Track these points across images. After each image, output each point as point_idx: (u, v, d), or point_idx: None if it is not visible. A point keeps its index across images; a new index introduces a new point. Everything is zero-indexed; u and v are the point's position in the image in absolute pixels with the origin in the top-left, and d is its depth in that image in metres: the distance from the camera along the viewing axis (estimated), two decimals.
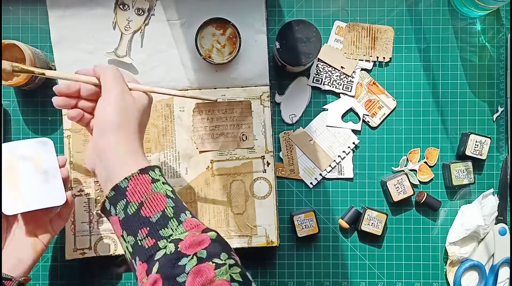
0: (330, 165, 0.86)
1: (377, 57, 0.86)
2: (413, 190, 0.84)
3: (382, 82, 0.86)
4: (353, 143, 0.86)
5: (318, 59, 0.86)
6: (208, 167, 0.84)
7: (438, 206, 0.85)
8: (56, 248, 0.86)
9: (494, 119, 0.87)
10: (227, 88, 0.84)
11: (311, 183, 0.86)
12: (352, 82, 0.86)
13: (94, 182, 0.84)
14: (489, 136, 0.84)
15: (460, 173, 0.84)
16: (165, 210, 0.59)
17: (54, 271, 0.86)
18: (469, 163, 0.84)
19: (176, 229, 0.58)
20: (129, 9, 0.83)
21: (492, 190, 0.85)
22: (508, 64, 0.86)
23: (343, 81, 0.86)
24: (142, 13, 0.83)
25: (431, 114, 0.87)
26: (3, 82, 0.79)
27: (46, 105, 0.87)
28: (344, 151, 0.86)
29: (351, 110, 0.86)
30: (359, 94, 0.86)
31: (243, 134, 0.83)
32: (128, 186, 0.59)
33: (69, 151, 0.84)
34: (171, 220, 0.59)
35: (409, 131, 0.86)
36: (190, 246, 0.56)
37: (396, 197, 0.84)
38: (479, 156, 0.84)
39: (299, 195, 0.86)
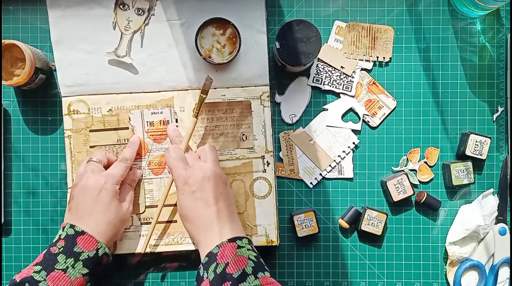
0: (330, 165, 0.86)
1: (377, 57, 0.86)
2: (413, 190, 0.84)
3: (382, 82, 0.86)
4: (353, 143, 0.86)
5: (318, 59, 0.86)
6: None
7: (438, 206, 0.85)
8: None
9: (494, 119, 0.87)
10: (227, 88, 0.84)
11: (311, 183, 0.86)
12: (352, 82, 0.86)
13: None
14: (489, 136, 0.84)
15: (460, 173, 0.84)
16: (246, 268, 0.69)
17: None
18: (469, 163, 0.84)
19: (252, 282, 0.67)
20: (129, 9, 0.83)
21: (492, 190, 0.85)
22: (508, 64, 0.86)
23: (343, 81, 0.86)
24: (142, 13, 0.83)
25: (431, 114, 0.87)
26: (3, 82, 0.79)
27: (46, 105, 0.87)
28: (344, 151, 0.86)
29: (351, 110, 0.86)
30: (359, 94, 0.86)
31: (243, 134, 0.83)
32: (218, 252, 0.70)
33: (70, 151, 0.84)
34: (250, 276, 0.68)
35: (409, 131, 0.86)
36: None
37: (396, 197, 0.84)
38: (479, 156, 0.84)
39: (299, 195, 0.86)
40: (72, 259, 0.72)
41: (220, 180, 0.76)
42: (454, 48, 0.87)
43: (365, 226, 0.84)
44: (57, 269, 0.71)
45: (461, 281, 0.85)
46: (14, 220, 0.87)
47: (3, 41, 0.79)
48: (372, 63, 0.86)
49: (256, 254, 0.72)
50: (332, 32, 0.86)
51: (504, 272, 0.85)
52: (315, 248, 0.87)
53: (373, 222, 0.84)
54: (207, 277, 0.70)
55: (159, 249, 0.84)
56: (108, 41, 0.83)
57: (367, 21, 0.86)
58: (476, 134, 0.84)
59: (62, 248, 0.73)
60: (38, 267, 0.71)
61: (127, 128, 0.84)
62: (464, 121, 0.87)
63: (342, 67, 0.86)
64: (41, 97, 0.87)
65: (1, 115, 0.85)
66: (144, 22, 0.83)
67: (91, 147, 0.84)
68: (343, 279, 0.86)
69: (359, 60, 0.86)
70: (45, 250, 0.74)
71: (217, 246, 0.71)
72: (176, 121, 0.84)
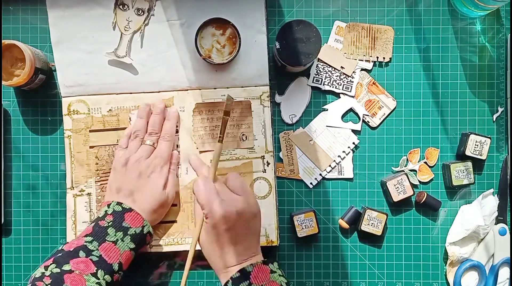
0: (330, 165, 0.86)
1: (377, 57, 0.86)
2: (413, 190, 0.84)
3: (382, 82, 0.86)
4: (353, 143, 0.86)
5: (318, 59, 0.86)
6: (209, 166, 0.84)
7: (438, 206, 0.85)
8: (56, 248, 0.86)
9: (494, 119, 0.87)
10: (227, 88, 0.84)
11: (311, 183, 0.86)
12: (352, 82, 0.86)
13: (95, 182, 0.84)
14: (489, 136, 0.84)
15: (460, 173, 0.84)
16: None
17: None
18: (469, 163, 0.84)
19: None
20: (128, 9, 0.83)
21: (492, 190, 0.85)
22: (508, 64, 0.86)
23: (343, 81, 0.86)
24: (142, 13, 0.83)
25: (431, 114, 0.87)
26: (3, 82, 0.79)
27: (46, 105, 0.87)
28: (344, 151, 0.86)
29: (351, 110, 0.86)
30: (359, 94, 0.86)
31: (243, 134, 0.83)
32: (252, 271, 0.70)
33: (69, 151, 0.84)
34: None
35: (409, 131, 0.86)
36: None
37: (396, 197, 0.84)
38: (479, 156, 0.84)
39: (299, 195, 0.86)
40: (121, 232, 0.75)
41: (251, 214, 0.73)
42: (454, 48, 0.87)
43: (365, 226, 0.84)
44: (108, 241, 0.74)
45: (461, 281, 0.85)
46: (14, 220, 0.87)
47: (3, 41, 0.79)
48: (372, 63, 0.86)
49: (286, 281, 0.72)
50: (332, 32, 0.86)
51: (504, 272, 0.85)
52: (315, 248, 0.87)
53: (373, 222, 0.84)
54: None
55: (159, 249, 0.84)
56: (108, 41, 0.84)
57: (367, 21, 0.86)
58: (476, 134, 0.84)
59: (111, 222, 0.75)
60: (89, 238, 0.74)
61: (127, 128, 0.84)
62: (464, 121, 0.87)
63: (342, 67, 0.86)
64: (41, 97, 0.87)
65: (1, 115, 0.85)
66: (144, 22, 0.83)
67: (91, 147, 0.84)
68: (343, 279, 0.86)
69: (359, 60, 0.86)
70: (93, 224, 0.76)
71: (251, 264, 0.71)
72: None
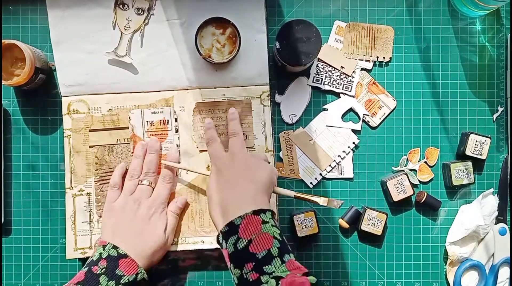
0: (330, 165, 0.86)
1: (377, 57, 0.86)
2: (413, 190, 0.84)
3: (382, 82, 0.86)
4: (353, 143, 0.86)
5: (318, 59, 0.86)
6: (209, 166, 0.84)
7: (438, 206, 0.85)
8: (56, 248, 0.86)
9: (494, 119, 0.87)
10: (227, 87, 0.84)
11: (311, 183, 0.86)
12: (352, 82, 0.86)
13: (95, 181, 0.84)
14: (489, 136, 0.84)
15: (460, 173, 0.84)
16: (271, 249, 0.65)
17: (54, 271, 0.86)
18: (469, 163, 0.84)
19: (278, 267, 0.64)
20: (128, 8, 0.83)
21: (492, 190, 0.85)
22: (508, 64, 0.86)
23: (343, 81, 0.86)
24: (142, 12, 0.83)
25: (431, 114, 0.87)
26: (3, 82, 0.79)
27: (46, 105, 0.87)
28: (344, 151, 0.86)
29: (351, 110, 0.86)
30: (359, 94, 0.86)
31: (243, 133, 0.83)
32: (241, 224, 0.67)
33: (69, 151, 0.84)
34: (275, 258, 0.65)
35: (409, 131, 0.86)
36: (290, 284, 0.61)
37: (396, 197, 0.84)
38: (479, 156, 0.84)
39: None
40: (114, 282, 0.72)
41: (258, 160, 0.76)
42: (454, 48, 0.87)
43: (365, 226, 0.84)
44: None
45: (461, 281, 0.85)
46: (14, 220, 0.87)
47: (3, 41, 0.79)
48: (372, 63, 0.86)
49: (279, 232, 0.68)
50: (332, 32, 0.86)
51: (504, 272, 0.85)
52: (315, 248, 0.86)
53: (373, 222, 0.84)
54: (226, 248, 0.68)
55: None
56: (108, 41, 0.84)
57: (367, 21, 0.86)
58: (476, 134, 0.84)
59: (104, 269, 0.73)
60: None
61: (127, 127, 0.84)
62: (464, 121, 0.87)
63: (342, 67, 0.86)
64: (41, 97, 0.87)
65: (1, 115, 0.85)
66: (144, 22, 0.83)
67: (90, 147, 0.84)
68: (343, 279, 0.86)
69: (359, 60, 0.86)
70: (86, 269, 0.73)
71: (240, 217, 0.68)
72: (176, 120, 0.84)
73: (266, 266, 0.64)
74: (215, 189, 0.73)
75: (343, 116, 0.86)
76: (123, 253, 0.74)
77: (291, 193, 0.77)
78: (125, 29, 0.83)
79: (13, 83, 0.79)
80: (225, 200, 0.71)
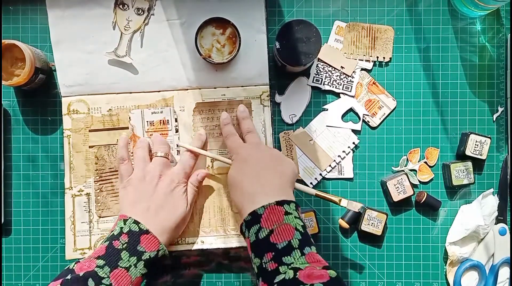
0: (330, 165, 0.86)
1: (377, 57, 0.86)
2: (413, 190, 0.84)
3: (382, 82, 0.86)
4: (353, 143, 0.86)
5: (318, 59, 0.86)
6: (208, 166, 0.84)
7: (438, 206, 0.85)
8: (56, 248, 0.86)
9: (494, 119, 0.87)
10: (227, 87, 0.84)
11: (311, 183, 0.86)
12: (352, 82, 0.86)
13: (94, 182, 0.84)
14: (489, 136, 0.84)
15: (460, 173, 0.84)
16: (292, 240, 0.65)
17: (54, 271, 0.86)
18: (469, 163, 0.84)
19: (298, 259, 0.63)
20: (128, 9, 0.83)
21: (492, 190, 0.85)
22: (508, 64, 0.86)
23: (343, 81, 0.86)
24: (142, 12, 0.83)
25: (431, 114, 0.87)
26: (3, 82, 0.79)
27: (46, 105, 0.87)
28: (344, 151, 0.86)
29: (351, 110, 0.86)
30: (359, 94, 0.86)
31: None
32: (263, 214, 0.67)
33: (69, 151, 0.84)
34: (295, 250, 0.64)
35: (409, 131, 0.86)
36: (308, 276, 0.61)
37: (396, 197, 0.84)
38: (479, 156, 0.84)
39: (299, 195, 0.86)
40: (135, 258, 0.71)
41: (279, 155, 0.76)
42: (454, 48, 0.87)
43: (365, 226, 0.84)
44: (121, 267, 0.69)
45: (461, 281, 0.85)
46: (14, 220, 0.87)
47: (3, 41, 0.79)
48: (372, 63, 0.86)
49: (303, 224, 0.68)
50: (332, 32, 0.86)
51: (504, 272, 0.85)
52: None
53: (373, 222, 0.84)
54: (248, 237, 0.68)
55: None
56: (108, 41, 0.83)
57: (367, 21, 0.86)
58: (476, 134, 0.84)
59: (126, 244, 0.71)
60: (101, 262, 0.69)
61: (127, 127, 0.84)
62: (464, 121, 0.87)
63: (342, 67, 0.86)
64: (41, 97, 0.87)
65: (1, 115, 0.85)
66: (144, 22, 0.83)
67: (90, 147, 0.84)
68: (343, 279, 0.86)
69: (359, 60, 0.86)
70: (107, 243, 0.71)
71: (263, 206, 0.67)
72: (176, 120, 0.84)
73: (285, 257, 0.64)
74: (240, 178, 0.73)
75: (343, 116, 0.86)
76: (144, 229, 0.73)
77: (312, 191, 0.77)
78: (125, 29, 0.83)
79: (13, 83, 0.79)
80: (252, 189, 0.71)
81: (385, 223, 0.84)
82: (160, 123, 0.84)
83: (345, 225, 0.85)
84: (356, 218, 0.85)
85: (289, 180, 0.73)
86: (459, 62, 0.87)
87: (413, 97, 0.86)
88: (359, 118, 0.86)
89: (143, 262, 0.71)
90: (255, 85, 0.83)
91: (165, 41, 0.83)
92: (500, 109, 0.87)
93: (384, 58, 0.86)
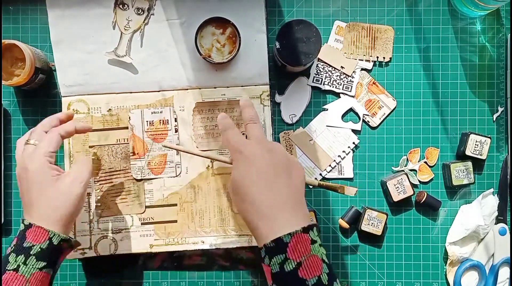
0: (330, 165, 0.86)
1: (377, 57, 0.86)
2: (413, 190, 0.84)
3: (382, 82, 0.86)
4: (353, 143, 0.86)
5: (318, 59, 0.86)
6: (208, 166, 0.84)
7: (438, 206, 0.85)
8: None
9: (494, 119, 0.87)
10: (227, 87, 0.84)
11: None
12: (352, 82, 0.86)
13: (94, 182, 0.84)
14: (489, 136, 0.84)
15: (460, 173, 0.84)
16: (321, 276, 0.60)
17: None
18: (469, 163, 0.84)
19: None
20: (128, 8, 0.83)
21: (492, 190, 0.85)
22: (508, 64, 0.86)
23: (343, 81, 0.86)
24: (142, 12, 0.83)
25: (431, 114, 0.87)
26: (3, 82, 0.79)
27: (46, 105, 0.87)
28: (344, 151, 0.86)
29: (351, 110, 0.86)
30: (359, 94, 0.86)
31: (243, 133, 0.83)
32: (290, 243, 0.61)
33: (68, 151, 0.84)
34: None
35: (409, 131, 0.86)
36: None
37: (396, 197, 0.84)
38: (479, 156, 0.84)
39: None
40: (22, 256, 0.66)
41: (290, 161, 0.68)
42: (454, 48, 0.87)
43: (365, 226, 0.84)
44: (8, 270, 0.65)
45: (461, 281, 0.84)
46: (14, 220, 0.87)
47: (3, 41, 0.79)
48: (372, 63, 0.86)
49: (324, 252, 0.63)
50: (332, 32, 0.86)
51: (504, 272, 0.85)
52: None
53: (373, 222, 0.84)
54: (269, 265, 0.61)
55: (160, 249, 0.84)
56: (108, 41, 0.83)
57: (367, 21, 0.86)
58: (476, 134, 0.84)
59: (14, 247, 0.67)
60: None
61: (127, 127, 0.84)
62: (464, 121, 0.87)
63: (342, 67, 0.86)
64: (41, 97, 0.87)
65: (1, 115, 0.85)
66: (144, 22, 0.83)
67: (90, 147, 0.84)
68: (343, 279, 0.86)
69: (359, 60, 0.86)
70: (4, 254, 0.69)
71: (289, 234, 0.61)
72: (176, 120, 0.84)
73: None
74: (247, 184, 0.65)
75: (343, 116, 0.86)
76: (27, 224, 0.68)
77: (315, 181, 0.75)
78: (125, 29, 0.83)
79: (13, 83, 0.79)
80: (264, 202, 0.64)
81: (385, 223, 0.84)
82: (160, 123, 0.84)
83: (345, 225, 0.85)
84: (356, 218, 0.85)
85: (302, 191, 0.67)
86: (459, 62, 0.87)
87: (413, 97, 0.86)
88: (359, 118, 0.86)
89: (34, 257, 0.66)
90: (255, 85, 0.83)
91: (165, 41, 0.83)
92: (500, 109, 0.87)
93: (384, 58, 0.86)
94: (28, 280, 0.65)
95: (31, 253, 0.66)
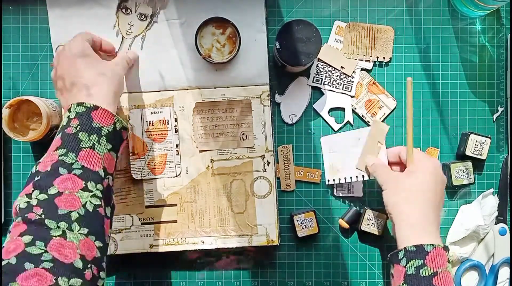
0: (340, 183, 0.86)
1: (377, 57, 0.86)
2: None
3: (382, 82, 0.86)
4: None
5: (318, 59, 0.86)
6: (208, 166, 0.84)
7: None
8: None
9: (494, 119, 0.87)
10: (227, 87, 0.84)
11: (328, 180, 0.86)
12: (352, 82, 0.86)
13: None
14: (489, 136, 0.84)
15: (460, 173, 0.84)
16: None
17: None
18: (469, 163, 0.84)
19: None
20: (131, 13, 0.83)
21: (492, 190, 0.85)
22: (508, 64, 0.86)
23: (343, 81, 0.86)
24: (145, 18, 0.83)
25: (431, 114, 0.87)
26: (19, 138, 0.79)
27: None
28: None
29: (343, 109, 0.86)
30: (359, 94, 0.86)
31: (243, 133, 0.83)
32: (431, 252, 0.67)
33: None
34: None
35: None
36: None
37: None
38: (479, 156, 0.84)
39: (299, 195, 0.86)
40: (95, 135, 0.67)
41: (442, 179, 0.76)
42: (454, 48, 0.87)
43: (365, 226, 0.84)
44: (84, 148, 0.66)
45: (461, 281, 0.84)
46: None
47: (19, 97, 0.79)
48: (372, 63, 0.86)
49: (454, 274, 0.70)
50: (332, 32, 0.86)
51: (504, 272, 0.85)
52: (315, 248, 0.86)
53: (373, 222, 0.84)
54: (405, 266, 0.68)
55: (159, 249, 0.84)
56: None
57: (367, 21, 0.86)
58: (476, 134, 0.84)
59: (79, 126, 0.67)
60: (62, 150, 0.65)
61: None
62: (464, 121, 0.87)
63: (342, 67, 0.86)
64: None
65: (1, 115, 0.85)
66: (146, 28, 0.83)
67: None
68: (343, 279, 0.86)
69: (359, 60, 0.86)
70: (59, 134, 0.67)
71: (431, 244, 0.68)
72: (176, 120, 0.84)
73: None
74: (421, 197, 0.72)
75: (329, 111, 0.86)
76: (91, 106, 0.68)
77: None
78: (127, 34, 0.83)
79: (28, 139, 0.80)
80: (417, 214, 0.71)
81: (385, 223, 0.84)
82: (160, 123, 0.84)
83: (345, 225, 0.85)
84: (356, 218, 0.85)
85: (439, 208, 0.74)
86: (459, 62, 0.87)
87: (413, 97, 0.86)
88: (360, 118, 0.86)
89: (104, 138, 0.68)
90: (255, 85, 0.83)
91: (165, 41, 0.83)
92: (500, 109, 0.87)
93: (384, 58, 0.86)
94: (102, 159, 0.67)
95: (102, 133, 0.68)
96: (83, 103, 0.68)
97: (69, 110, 0.69)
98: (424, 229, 0.70)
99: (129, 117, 0.84)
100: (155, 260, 0.86)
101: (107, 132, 0.68)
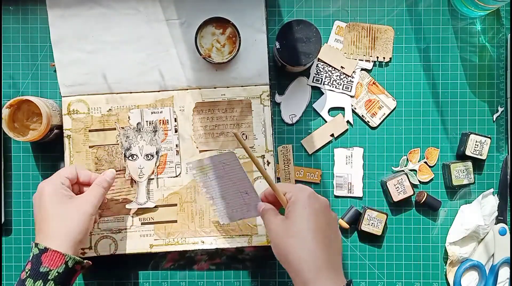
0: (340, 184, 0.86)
1: (377, 57, 0.86)
2: (413, 190, 0.84)
3: (382, 82, 0.86)
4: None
5: (318, 59, 0.86)
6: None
7: (438, 206, 0.85)
8: None
9: (494, 119, 0.87)
10: (227, 87, 0.84)
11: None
12: (352, 82, 0.86)
13: None
14: (489, 136, 0.84)
15: (460, 173, 0.84)
16: None
17: None
18: (469, 163, 0.84)
19: None
20: (138, 158, 0.83)
21: (492, 190, 0.85)
22: (508, 64, 0.86)
23: (343, 81, 0.86)
24: (152, 157, 0.83)
25: (431, 114, 0.87)
26: (19, 138, 0.79)
27: None
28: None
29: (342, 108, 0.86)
30: (359, 94, 0.86)
31: (243, 134, 0.83)
32: None
33: (69, 151, 0.84)
34: None
35: (409, 131, 0.86)
36: None
37: (396, 197, 0.84)
38: (479, 156, 0.84)
39: None
40: (41, 281, 0.68)
41: (335, 220, 0.71)
42: (454, 48, 0.87)
43: (365, 226, 0.84)
44: None
45: (461, 281, 0.84)
46: (14, 220, 0.87)
47: (19, 97, 0.79)
48: (372, 63, 0.86)
49: None
50: (332, 32, 0.86)
51: (504, 272, 0.85)
52: None
53: (373, 222, 0.84)
54: None
55: (159, 249, 0.84)
56: (108, 41, 0.83)
57: (367, 21, 0.86)
58: (476, 134, 0.84)
59: (29, 272, 0.69)
60: None
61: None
62: (464, 121, 0.87)
63: (342, 67, 0.86)
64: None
65: (1, 115, 0.85)
66: (155, 165, 0.84)
67: (90, 147, 0.84)
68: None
69: (359, 60, 0.86)
70: (18, 279, 0.70)
71: None
72: (176, 120, 0.84)
73: None
74: (312, 237, 0.65)
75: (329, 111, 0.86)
76: (42, 248, 0.69)
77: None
78: (139, 177, 0.83)
79: (28, 139, 0.79)
80: (322, 256, 0.65)
81: (385, 223, 0.84)
82: (160, 123, 0.84)
83: (345, 225, 0.85)
84: (356, 218, 0.85)
85: (340, 250, 0.69)
86: (459, 62, 0.87)
87: (413, 97, 0.86)
88: (360, 118, 0.86)
89: (52, 282, 0.68)
90: (255, 85, 0.83)
91: (164, 41, 0.83)
92: (500, 109, 0.87)
93: (384, 58, 0.86)
94: None
95: (49, 278, 0.68)
96: (38, 244, 0.70)
97: (31, 249, 0.71)
98: (328, 264, 0.65)
99: (129, 117, 0.84)
100: (155, 260, 0.86)
101: (56, 274, 0.69)
